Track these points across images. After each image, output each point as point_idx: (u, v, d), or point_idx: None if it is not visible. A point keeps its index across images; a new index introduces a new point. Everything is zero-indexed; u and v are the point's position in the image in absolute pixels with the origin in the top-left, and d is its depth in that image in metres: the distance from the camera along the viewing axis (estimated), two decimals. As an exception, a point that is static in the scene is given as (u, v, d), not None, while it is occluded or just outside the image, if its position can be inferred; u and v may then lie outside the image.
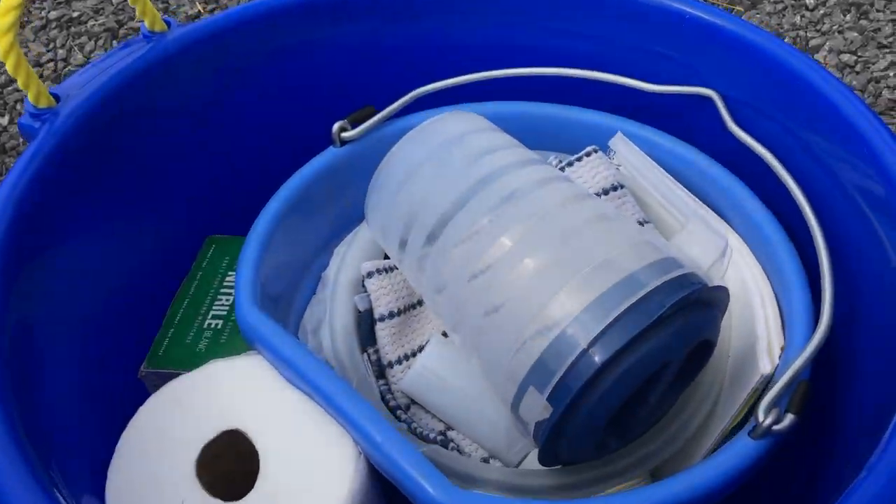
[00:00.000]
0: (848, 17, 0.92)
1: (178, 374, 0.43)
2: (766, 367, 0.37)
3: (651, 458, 0.38)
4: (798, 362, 0.35)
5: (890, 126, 0.83)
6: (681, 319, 0.32)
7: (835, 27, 0.91)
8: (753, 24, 0.45)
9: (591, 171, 0.44)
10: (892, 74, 0.85)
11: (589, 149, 0.45)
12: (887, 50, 0.88)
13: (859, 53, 0.88)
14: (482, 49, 0.52)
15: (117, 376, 0.44)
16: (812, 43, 0.90)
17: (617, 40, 0.49)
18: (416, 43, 0.53)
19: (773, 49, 0.43)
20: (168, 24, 0.47)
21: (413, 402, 0.43)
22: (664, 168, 0.46)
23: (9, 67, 0.39)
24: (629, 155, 0.46)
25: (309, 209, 0.47)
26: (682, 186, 0.45)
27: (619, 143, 0.46)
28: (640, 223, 0.43)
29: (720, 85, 0.46)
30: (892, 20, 0.90)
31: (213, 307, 0.46)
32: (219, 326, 0.45)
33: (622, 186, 0.44)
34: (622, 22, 0.48)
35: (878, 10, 0.92)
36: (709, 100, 0.46)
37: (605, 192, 0.44)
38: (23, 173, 0.39)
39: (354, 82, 0.54)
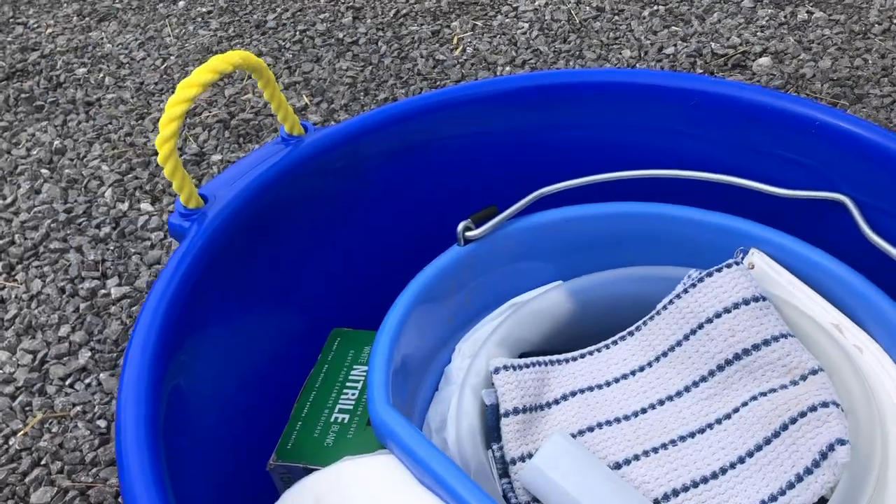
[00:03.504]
0: (960, 112, 0.90)
1: (305, 468, 0.44)
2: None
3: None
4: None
5: None
6: None
7: (947, 122, 0.89)
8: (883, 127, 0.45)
9: (731, 281, 0.44)
10: None
11: (730, 261, 0.45)
12: None
13: (975, 148, 0.85)
14: (608, 150, 0.53)
15: (248, 467, 0.45)
16: (923, 137, 0.88)
17: (745, 145, 0.49)
18: (541, 142, 0.54)
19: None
20: (306, 128, 0.50)
21: (535, 499, 0.43)
22: (799, 276, 0.45)
23: (167, 172, 0.42)
24: (768, 269, 0.46)
25: (432, 306, 0.48)
26: (820, 298, 0.44)
27: (756, 258, 0.46)
28: (784, 336, 0.42)
29: (853, 190, 0.45)
30: None
31: (340, 401, 0.47)
32: (345, 421, 0.46)
33: (764, 299, 0.43)
34: (751, 127, 0.48)
35: None
36: (841, 205, 0.46)
37: (746, 303, 0.43)
38: (174, 272, 0.41)
39: (475, 180, 0.55)
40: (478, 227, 0.50)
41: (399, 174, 0.54)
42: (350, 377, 0.48)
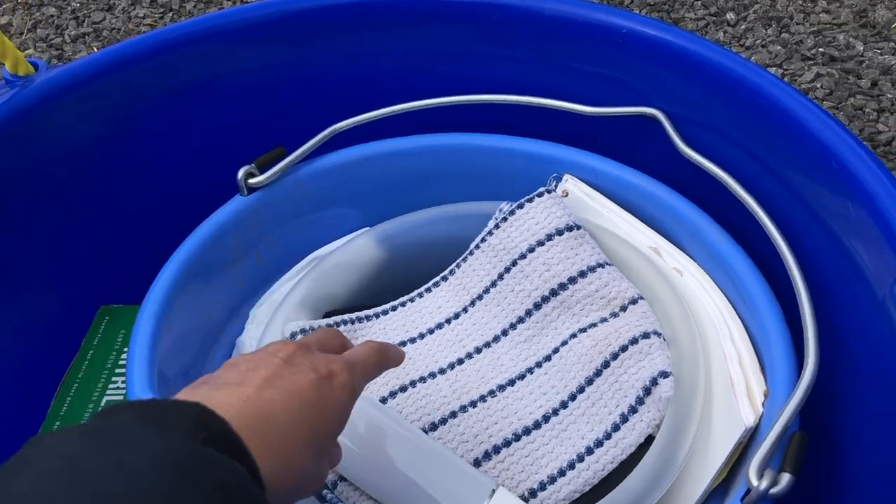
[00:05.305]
0: (769, 32, 0.91)
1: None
2: (748, 417, 0.32)
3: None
4: (787, 412, 0.30)
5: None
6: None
7: (758, 41, 0.90)
8: (698, 35, 0.41)
9: (543, 211, 0.40)
10: (819, 86, 0.84)
11: (541, 189, 0.41)
12: (811, 62, 0.87)
13: (785, 66, 0.87)
14: (409, 80, 0.47)
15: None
16: (737, 58, 0.88)
17: (552, 62, 0.45)
18: (335, 76, 0.48)
19: (723, 60, 0.40)
20: (35, 66, 0.41)
21: (343, 478, 0.38)
22: (616, 199, 0.41)
23: None
24: (583, 195, 0.42)
25: (214, 269, 0.41)
26: (638, 221, 0.40)
27: (569, 184, 0.42)
28: (601, 265, 0.39)
29: (665, 103, 0.42)
30: (813, 32, 0.90)
31: (108, 391, 0.40)
32: (114, 414, 0.38)
33: (579, 227, 0.40)
34: (557, 41, 0.44)
35: (797, 24, 0.91)
36: (654, 120, 0.42)
37: (560, 233, 0.39)
38: None
39: (261, 121, 0.48)
40: (263, 172, 0.43)
41: (172, 120, 0.46)
42: (121, 362, 0.41)
